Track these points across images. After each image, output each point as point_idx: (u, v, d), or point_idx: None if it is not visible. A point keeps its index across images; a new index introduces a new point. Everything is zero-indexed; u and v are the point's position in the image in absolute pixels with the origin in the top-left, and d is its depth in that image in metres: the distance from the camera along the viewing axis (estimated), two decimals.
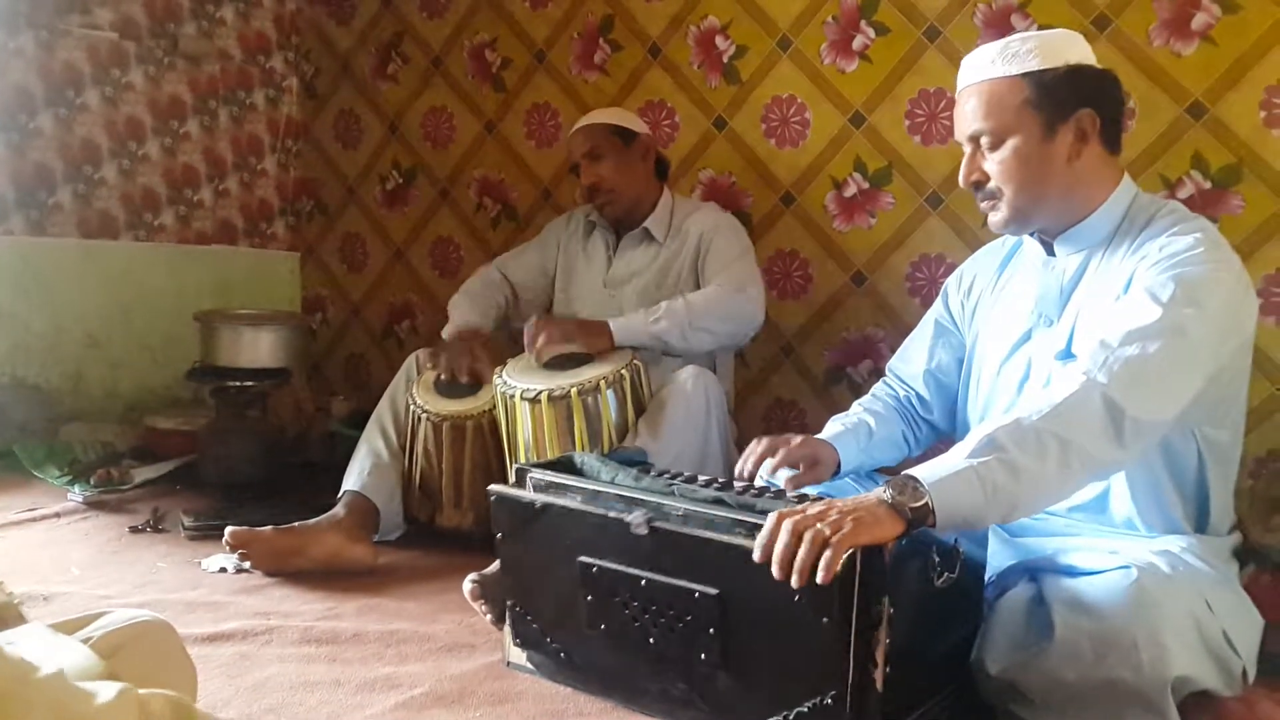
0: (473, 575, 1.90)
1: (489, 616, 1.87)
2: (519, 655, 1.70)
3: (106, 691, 0.76)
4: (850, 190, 2.77)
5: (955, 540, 1.38)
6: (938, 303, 1.93)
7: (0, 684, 0.71)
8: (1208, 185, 2.28)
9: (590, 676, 1.62)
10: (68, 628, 1.12)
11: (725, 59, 2.94)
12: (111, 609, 1.18)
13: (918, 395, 1.91)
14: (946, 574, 1.36)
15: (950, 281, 1.93)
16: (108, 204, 3.38)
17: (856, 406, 1.92)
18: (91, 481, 2.79)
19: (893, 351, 2.03)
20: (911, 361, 1.93)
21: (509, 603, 1.70)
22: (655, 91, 3.07)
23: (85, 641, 1.07)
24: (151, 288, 3.48)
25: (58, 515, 2.58)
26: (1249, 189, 2.24)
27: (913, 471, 1.34)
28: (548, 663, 1.67)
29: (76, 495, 2.71)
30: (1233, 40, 2.23)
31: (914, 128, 2.66)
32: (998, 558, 1.58)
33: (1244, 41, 2.22)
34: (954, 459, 1.35)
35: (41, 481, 2.86)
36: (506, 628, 1.71)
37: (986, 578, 1.53)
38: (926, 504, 1.29)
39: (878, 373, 2.63)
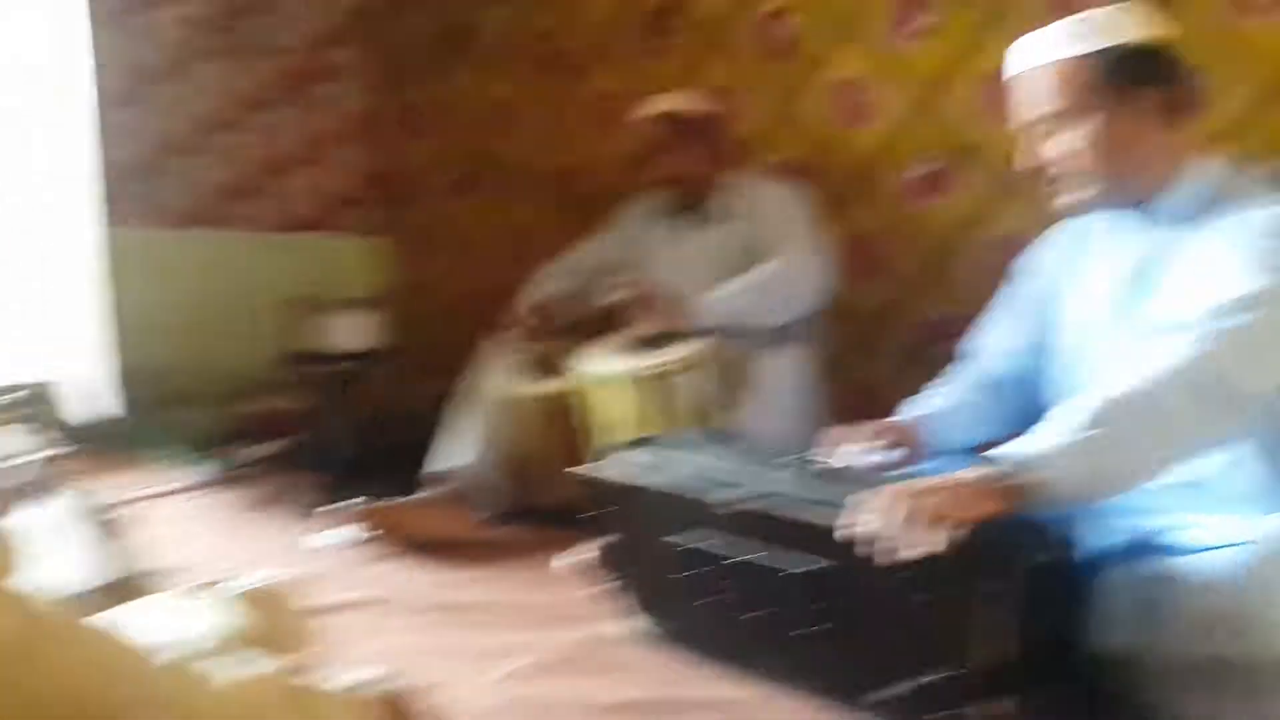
0: (572, 550, 1.99)
1: (590, 589, 1.94)
2: (624, 626, 1.77)
3: (221, 674, 0.79)
4: (925, 170, 2.78)
5: (1059, 519, 1.36)
6: (1015, 282, 1.91)
7: (122, 670, 0.74)
8: None
9: (694, 648, 1.67)
10: (196, 592, 1.17)
11: (790, 40, 2.95)
12: (233, 576, 1.23)
13: (997, 376, 1.89)
14: (1050, 553, 1.36)
15: (1027, 259, 1.90)
16: (198, 194, 3.53)
17: (936, 388, 1.92)
18: (208, 460, 2.92)
19: (972, 334, 2.04)
20: (989, 343, 1.91)
21: (609, 577, 1.77)
22: (719, 76, 3.08)
23: (214, 604, 1.12)
24: (242, 274, 3.62)
25: (179, 492, 2.72)
26: None
27: (1010, 449, 1.34)
28: (651, 634, 1.74)
29: (191, 474, 2.84)
30: None
31: (989, 106, 2.66)
32: (1104, 537, 1.53)
33: None
34: (1053, 435, 1.33)
35: (158, 462, 3.00)
36: (609, 600, 1.79)
37: (1093, 557, 1.48)
38: (1027, 481, 1.29)
39: (956, 355, 2.66)
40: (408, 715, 0.94)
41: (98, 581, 1.44)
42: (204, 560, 2.16)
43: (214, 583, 1.20)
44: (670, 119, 2.65)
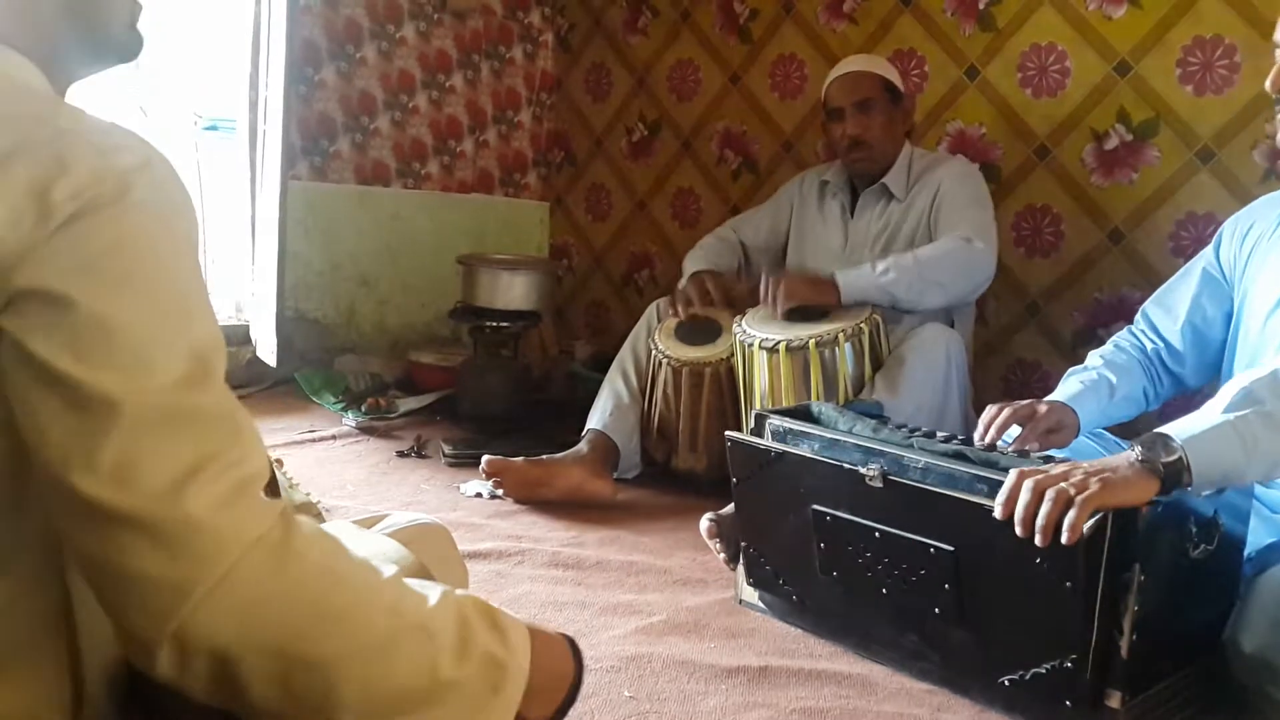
0: (709, 514, 1.97)
1: (722, 555, 1.93)
2: (751, 594, 1.76)
3: (433, 593, 0.81)
4: (1112, 143, 2.64)
5: (1215, 512, 1.33)
6: (1208, 250, 1.80)
7: (355, 579, 0.77)
8: None
9: (821, 620, 1.66)
10: (359, 525, 1.20)
11: (981, 6, 2.85)
12: (391, 512, 1.26)
13: (1168, 347, 1.79)
14: (1203, 545, 1.32)
15: (1225, 228, 1.78)
16: (380, 153, 3.64)
17: (1095, 358, 1.83)
18: (362, 409, 3.03)
19: (1143, 303, 1.93)
20: (1170, 310, 1.81)
21: (743, 544, 1.75)
22: (905, 40, 3.01)
23: (378, 536, 1.13)
24: (417, 232, 3.73)
25: (334, 437, 2.82)
26: None
27: (1163, 429, 1.29)
28: (779, 603, 1.72)
29: (349, 420, 2.95)
30: None
31: (1186, 77, 2.50)
32: (1259, 535, 1.50)
33: None
34: (1208, 414, 1.29)
35: (319, 406, 3.14)
36: (740, 567, 1.77)
37: (1246, 554, 1.45)
38: (1180, 459, 1.24)
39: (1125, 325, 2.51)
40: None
41: None
42: (354, 504, 2.25)
43: (369, 518, 1.22)
44: (879, 83, 2.54)
